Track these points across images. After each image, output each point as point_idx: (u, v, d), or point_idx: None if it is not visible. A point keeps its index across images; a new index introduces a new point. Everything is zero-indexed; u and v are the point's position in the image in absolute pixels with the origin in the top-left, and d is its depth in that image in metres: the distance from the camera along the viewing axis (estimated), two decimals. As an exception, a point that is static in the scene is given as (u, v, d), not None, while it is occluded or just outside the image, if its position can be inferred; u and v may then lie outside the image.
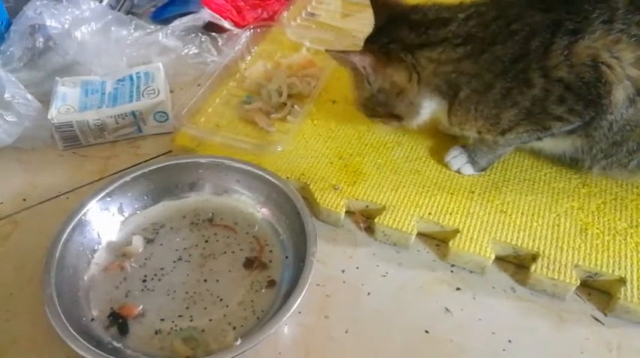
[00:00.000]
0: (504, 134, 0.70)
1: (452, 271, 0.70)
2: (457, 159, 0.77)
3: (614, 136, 0.67)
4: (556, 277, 0.65)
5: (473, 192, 0.74)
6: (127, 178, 0.72)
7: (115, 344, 0.61)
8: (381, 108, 0.74)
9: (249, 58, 0.99)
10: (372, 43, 0.72)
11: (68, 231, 0.66)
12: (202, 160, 0.76)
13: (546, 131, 0.68)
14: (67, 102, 0.85)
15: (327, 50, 0.71)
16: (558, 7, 0.63)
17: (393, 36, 0.70)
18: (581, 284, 0.65)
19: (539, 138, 0.71)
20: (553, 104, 0.64)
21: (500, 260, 0.70)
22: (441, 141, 0.82)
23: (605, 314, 0.65)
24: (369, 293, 0.67)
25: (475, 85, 0.67)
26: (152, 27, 0.99)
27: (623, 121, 0.65)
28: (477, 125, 0.71)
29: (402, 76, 0.70)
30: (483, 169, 0.77)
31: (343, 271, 0.70)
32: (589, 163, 0.73)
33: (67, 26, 0.91)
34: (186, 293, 0.66)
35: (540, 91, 0.64)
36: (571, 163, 0.76)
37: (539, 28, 0.63)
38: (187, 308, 0.65)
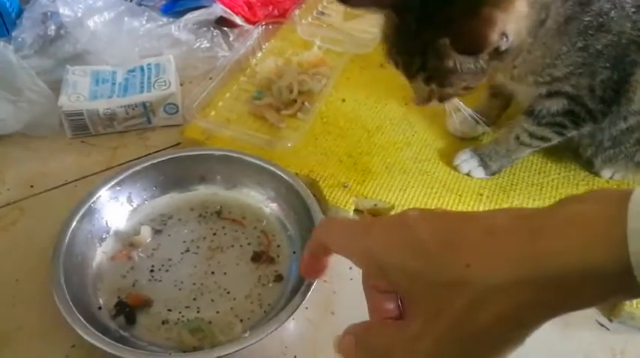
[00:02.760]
0: (551, 84, 0.66)
1: (458, 272, 0.70)
2: (467, 162, 0.77)
3: (624, 123, 0.68)
4: (562, 281, 0.65)
5: (481, 195, 0.75)
6: (138, 168, 0.72)
7: (122, 333, 0.61)
8: (515, 50, 0.60)
9: (259, 54, 0.99)
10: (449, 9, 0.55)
11: (77, 218, 0.66)
12: (213, 153, 0.76)
13: (578, 106, 0.66)
14: (78, 91, 0.85)
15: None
16: None
17: None
18: (586, 289, 0.66)
19: (562, 132, 0.70)
20: (601, 66, 0.63)
21: (507, 263, 0.70)
22: (450, 143, 0.82)
23: (611, 320, 0.65)
24: (375, 291, 0.67)
25: (558, 11, 0.60)
26: (164, 19, 1.00)
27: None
28: (537, 62, 0.65)
29: (524, 7, 0.57)
30: (494, 173, 0.77)
31: (350, 268, 0.70)
32: (592, 151, 0.74)
33: (79, 15, 0.91)
34: (194, 284, 0.66)
35: (606, 45, 0.61)
36: (567, 148, 0.77)
37: None
38: (194, 299, 0.65)
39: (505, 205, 0.74)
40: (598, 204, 0.32)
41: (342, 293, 0.67)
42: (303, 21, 1.07)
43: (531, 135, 0.72)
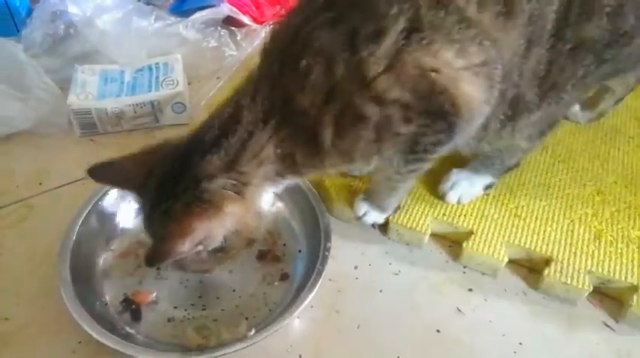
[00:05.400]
0: (375, 157, 0.60)
1: (464, 272, 0.70)
2: (369, 214, 0.72)
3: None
4: (569, 282, 0.65)
5: (487, 195, 0.75)
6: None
7: (128, 329, 0.62)
8: (238, 246, 0.59)
9: (267, 53, 0.99)
10: (167, 206, 0.53)
11: (85, 215, 0.67)
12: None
13: (419, 146, 0.59)
14: (86, 90, 0.86)
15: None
16: (348, 12, 0.52)
17: (193, 177, 0.54)
18: (593, 290, 0.65)
19: (425, 157, 0.62)
20: (400, 126, 0.55)
21: (512, 263, 0.70)
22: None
23: (617, 321, 0.65)
24: (381, 291, 0.68)
25: (303, 150, 0.56)
26: (172, 19, 1.00)
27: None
28: (337, 166, 0.60)
29: (237, 205, 0.54)
30: (395, 210, 0.72)
31: (356, 267, 0.70)
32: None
33: (88, 14, 0.92)
34: (200, 282, 0.67)
35: (380, 118, 0.54)
36: None
37: (332, 50, 0.52)
38: (200, 297, 0.65)
39: (511, 206, 0.73)
40: None
41: (347, 292, 0.67)
42: (310, 20, 1.07)
43: (399, 173, 0.65)
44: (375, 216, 0.72)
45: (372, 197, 0.71)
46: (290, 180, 0.59)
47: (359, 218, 0.72)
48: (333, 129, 0.54)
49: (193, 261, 0.58)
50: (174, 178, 0.54)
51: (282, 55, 0.55)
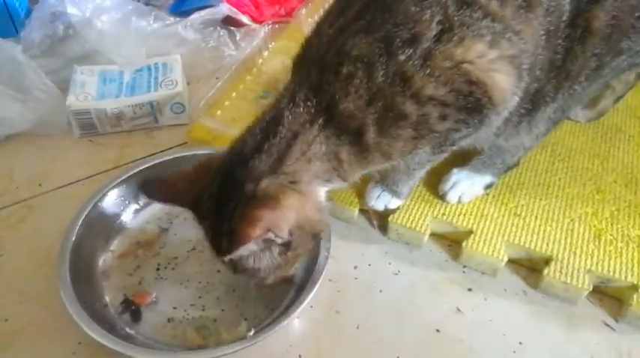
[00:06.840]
0: (405, 157, 0.62)
1: (464, 272, 0.70)
2: (381, 198, 0.73)
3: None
4: (568, 281, 0.65)
5: (487, 194, 0.75)
6: (145, 166, 0.73)
7: (128, 330, 0.62)
8: (304, 242, 0.59)
9: (266, 53, 1.00)
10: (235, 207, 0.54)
11: (85, 216, 0.67)
12: (220, 152, 0.76)
13: (448, 141, 0.61)
14: (86, 90, 0.86)
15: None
16: (380, 20, 0.54)
17: (248, 177, 0.55)
18: (592, 289, 0.65)
19: (448, 149, 0.64)
20: (436, 124, 0.57)
21: (512, 262, 0.70)
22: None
23: (617, 320, 0.65)
24: (380, 291, 0.68)
25: (348, 149, 0.58)
26: (171, 19, 1.00)
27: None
28: (377, 164, 0.61)
29: (295, 198, 0.55)
30: (406, 196, 0.74)
31: (355, 268, 0.70)
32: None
33: (87, 14, 0.92)
34: (199, 282, 0.67)
35: (418, 117, 0.56)
36: None
37: (371, 56, 0.54)
38: (200, 297, 0.65)
39: (511, 205, 0.73)
40: None
41: (346, 292, 0.67)
42: (309, 20, 1.07)
43: (419, 162, 0.68)
44: (388, 201, 0.73)
45: (388, 182, 0.72)
46: (336, 185, 0.60)
47: (371, 204, 0.73)
48: (376, 129, 0.56)
49: (270, 268, 0.58)
50: (225, 196, 0.55)
51: (320, 64, 0.57)
